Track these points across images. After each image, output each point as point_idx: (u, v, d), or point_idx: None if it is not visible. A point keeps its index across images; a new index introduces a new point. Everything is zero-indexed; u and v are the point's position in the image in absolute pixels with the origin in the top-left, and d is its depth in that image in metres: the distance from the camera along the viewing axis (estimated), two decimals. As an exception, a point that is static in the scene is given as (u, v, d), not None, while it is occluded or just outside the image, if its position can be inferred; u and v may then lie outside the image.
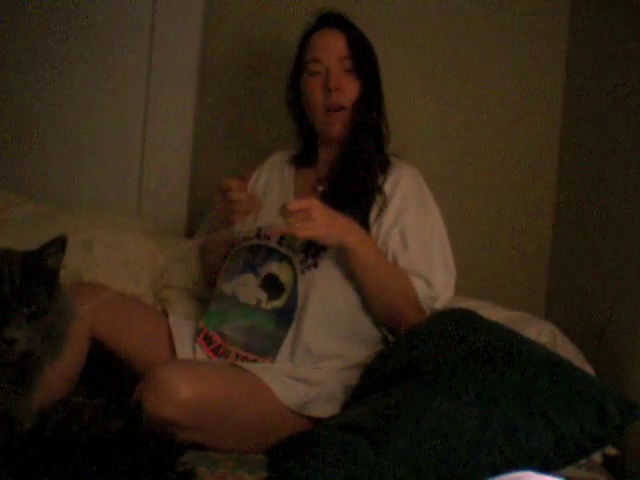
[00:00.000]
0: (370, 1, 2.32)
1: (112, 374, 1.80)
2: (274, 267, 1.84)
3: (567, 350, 1.91)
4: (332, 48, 1.89)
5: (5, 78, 2.39)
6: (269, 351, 1.78)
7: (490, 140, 2.45)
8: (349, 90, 1.88)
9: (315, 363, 1.78)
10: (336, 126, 1.91)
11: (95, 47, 2.39)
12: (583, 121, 2.33)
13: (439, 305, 1.84)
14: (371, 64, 1.92)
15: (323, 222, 1.71)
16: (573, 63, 2.40)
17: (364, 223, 1.84)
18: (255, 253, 1.88)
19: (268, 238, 1.88)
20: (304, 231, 1.71)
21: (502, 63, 2.43)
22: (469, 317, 1.71)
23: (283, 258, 1.84)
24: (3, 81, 2.39)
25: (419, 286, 1.81)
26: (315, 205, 1.71)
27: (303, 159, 2.01)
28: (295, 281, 1.81)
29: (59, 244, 1.31)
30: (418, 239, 1.84)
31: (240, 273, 1.87)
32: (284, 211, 1.69)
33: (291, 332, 1.78)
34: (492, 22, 2.43)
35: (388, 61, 2.00)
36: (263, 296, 1.83)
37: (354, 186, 1.86)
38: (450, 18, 2.43)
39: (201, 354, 1.82)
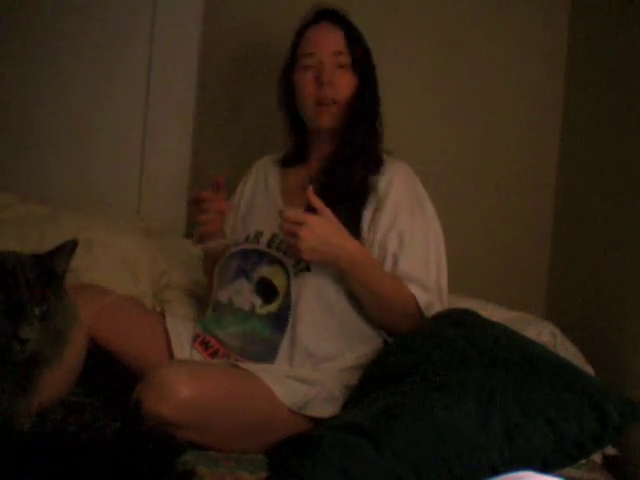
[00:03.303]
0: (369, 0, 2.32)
1: (111, 374, 1.80)
2: (266, 271, 1.84)
3: (567, 350, 1.91)
4: (328, 42, 1.88)
5: (5, 78, 2.38)
6: (266, 356, 1.77)
7: (490, 139, 2.45)
8: (342, 85, 1.87)
9: (315, 364, 1.77)
10: (325, 119, 1.88)
11: (95, 46, 2.39)
12: (583, 121, 2.33)
13: (438, 308, 1.83)
14: (367, 62, 1.92)
15: (308, 246, 1.68)
16: (573, 63, 2.40)
17: (357, 220, 1.81)
18: (246, 258, 1.88)
19: (257, 241, 1.87)
20: (290, 245, 1.72)
21: (502, 62, 2.43)
22: (469, 317, 1.71)
23: (274, 261, 1.83)
24: (3, 81, 2.38)
25: (416, 292, 1.78)
26: (307, 224, 1.67)
27: (293, 157, 2.00)
28: (289, 284, 1.80)
29: (70, 248, 1.32)
30: (415, 242, 1.82)
31: (233, 280, 1.87)
32: (281, 214, 1.69)
33: (287, 336, 1.78)
34: (491, 21, 2.43)
35: (386, 61, 2.00)
36: (257, 301, 1.82)
37: (346, 182, 1.83)
38: (449, 16, 2.43)
39: (199, 358, 1.81)
